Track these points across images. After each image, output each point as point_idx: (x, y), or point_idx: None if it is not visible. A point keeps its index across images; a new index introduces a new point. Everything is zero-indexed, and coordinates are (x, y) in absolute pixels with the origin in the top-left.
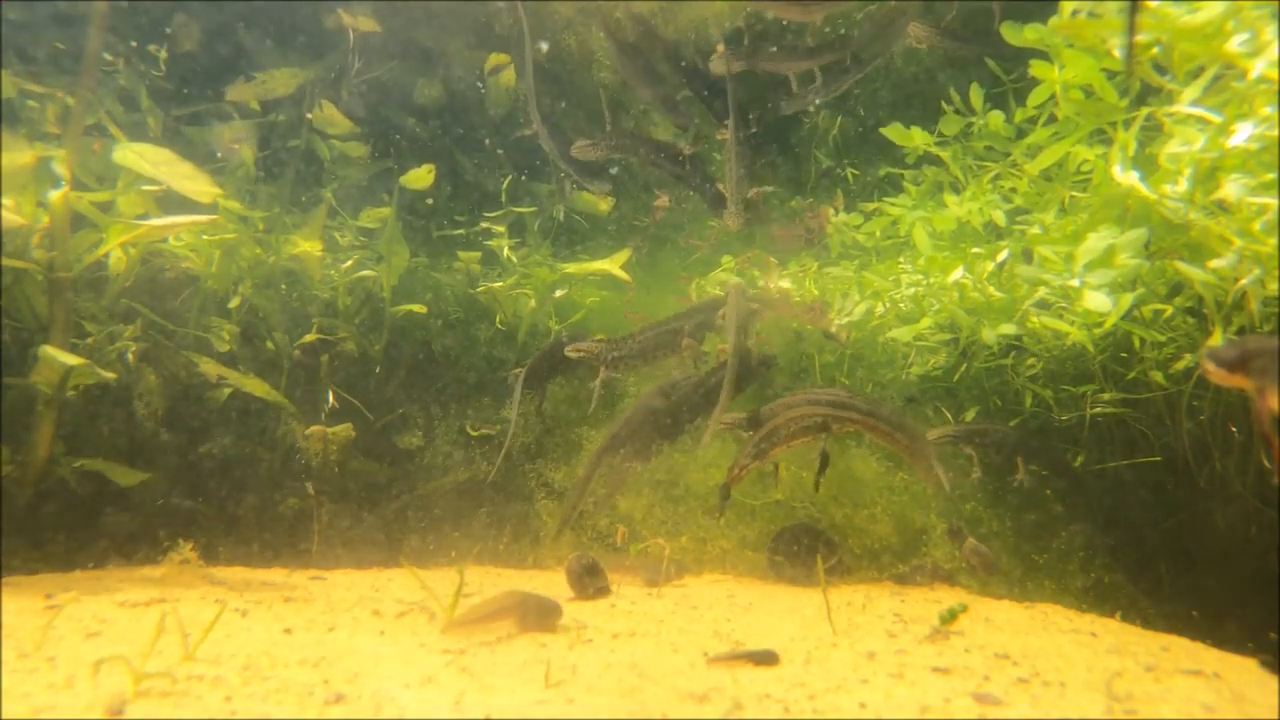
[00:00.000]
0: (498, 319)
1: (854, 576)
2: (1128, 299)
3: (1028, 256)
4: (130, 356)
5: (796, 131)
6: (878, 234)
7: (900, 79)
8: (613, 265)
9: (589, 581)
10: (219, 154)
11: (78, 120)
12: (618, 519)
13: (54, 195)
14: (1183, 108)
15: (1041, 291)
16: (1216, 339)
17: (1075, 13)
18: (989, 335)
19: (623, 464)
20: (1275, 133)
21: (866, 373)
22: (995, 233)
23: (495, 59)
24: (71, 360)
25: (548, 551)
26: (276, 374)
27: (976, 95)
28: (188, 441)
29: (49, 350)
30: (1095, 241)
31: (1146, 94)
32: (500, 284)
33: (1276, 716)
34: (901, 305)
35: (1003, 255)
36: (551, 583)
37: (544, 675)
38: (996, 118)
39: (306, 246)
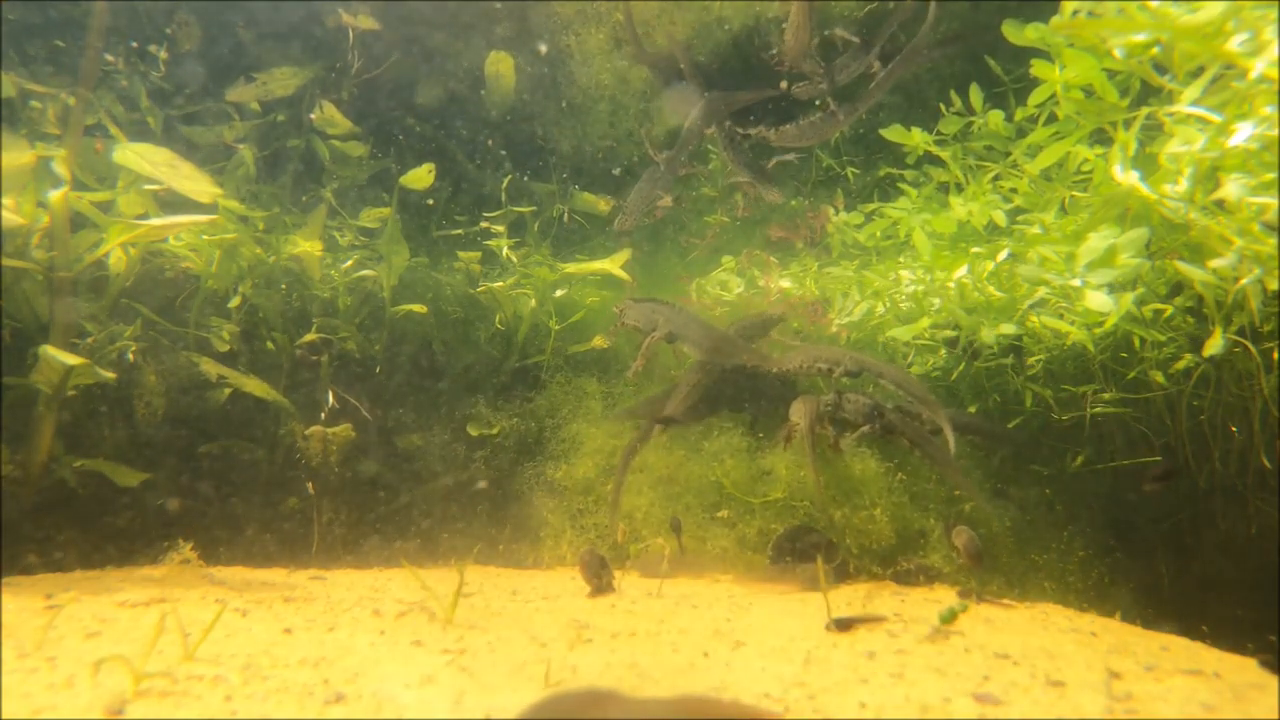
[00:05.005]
0: (497, 319)
1: (855, 577)
2: (1128, 299)
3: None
4: (130, 356)
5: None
6: (878, 234)
7: (900, 80)
8: (613, 265)
9: (603, 575)
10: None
11: (78, 120)
12: (618, 518)
13: (54, 195)
14: (1183, 108)
15: (1042, 291)
16: (1217, 339)
17: (1076, 12)
18: (989, 335)
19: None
20: (1275, 133)
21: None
22: (996, 233)
23: (495, 57)
24: (71, 360)
25: (548, 551)
26: (276, 374)
27: (976, 95)
28: (188, 441)
29: (49, 350)
30: (1096, 241)
31: (1147, 94)
32: (500, 284)
33: (1277, 717)
34: (901, 305)
35: (1003, 255)
36: (552, 581)
37: (544, 675)
38: (996, 117)
39: (306, 246)
